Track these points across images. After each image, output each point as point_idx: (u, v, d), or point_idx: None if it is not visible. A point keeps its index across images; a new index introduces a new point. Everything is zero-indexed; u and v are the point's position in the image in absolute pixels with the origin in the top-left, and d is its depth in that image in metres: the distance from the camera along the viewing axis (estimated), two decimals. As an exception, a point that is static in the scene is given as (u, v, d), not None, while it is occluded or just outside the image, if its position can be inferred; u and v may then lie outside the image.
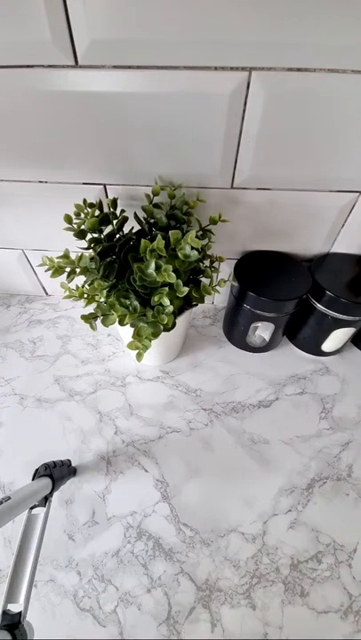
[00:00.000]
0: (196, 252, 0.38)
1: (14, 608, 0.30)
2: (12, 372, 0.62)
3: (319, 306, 0.54)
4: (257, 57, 0.36)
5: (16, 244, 0.64)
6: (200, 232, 0.48)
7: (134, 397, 0.58)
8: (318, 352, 0.63)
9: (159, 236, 0.37)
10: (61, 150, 0.47)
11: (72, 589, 0.41)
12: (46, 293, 0.76)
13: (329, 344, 0.60)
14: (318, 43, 0.35)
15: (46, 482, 0.39)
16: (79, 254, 0.42)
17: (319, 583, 0.41)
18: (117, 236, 0.45)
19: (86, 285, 0.43)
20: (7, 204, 0.56)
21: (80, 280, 0.43)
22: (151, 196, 0.46)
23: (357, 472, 0.50)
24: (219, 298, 0.72)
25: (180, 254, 0.39)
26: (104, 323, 0.42)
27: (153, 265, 0.38)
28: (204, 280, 0.49)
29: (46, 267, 0.41)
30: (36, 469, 0.42)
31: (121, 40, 0.36)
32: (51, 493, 0.39)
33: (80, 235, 0.41)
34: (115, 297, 0.42)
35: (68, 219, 0.41)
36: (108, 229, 0.44)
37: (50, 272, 0.41)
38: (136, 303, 0.41)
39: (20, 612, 0.30)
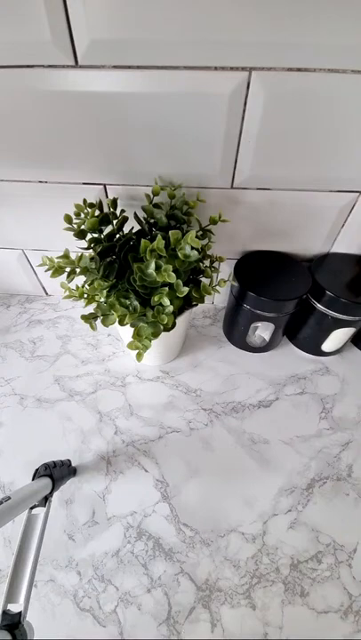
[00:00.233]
0: (196, 252, 0.38)
1: (14, 608, 0.30)
2: (12, 372, 0.62)
3: (319, 306, 0.54)
4: (257, 57, 0.36)
5: (16, 244, 0.64)
6: (200, 232, 0.48)
7: (134, 397, 0.58)
8: (318, 352, 0.63)
9: (159, 236, 0.37)
10: (61, 150, 0.47)
11: (72, 589, 0.41)
12: (46, 293, 0.76)
13: (329, 344, 0.60)
14: (318, 43, 0.35)
15: (46, 482, 0.39)
16: (79, 254, 0.42)
17: (319, 583, 0.41)
18: (117, 235, 0.45)
19: (86, 285, 0.43)
20: (7, 204, 0.56)
21: (80, 280, 0.43)
22: (151, 196, 0.46)
23: (357, 472, 0.50)
24: (219, 298, 0.72)
25: (180, 254, 0.39)
26: (104, 323, 0.42)
27: (153, 265, 0.38)
28: (204, 280, 0.49)
29: (46, 267, 0.41)
30: (36, 469, 0.42)
31: (121, 40, 0.36)
32: (51, 493, 0.39)
33: (80, 235, 0.41)
34: (115, 297, 0.42)
35: (68, 219, 0.41)
36: (108, 229, 0.44)
37: (50, 272, 0.41)
38: (136, 303, 0.41)
39: (20, 612, 0.30)
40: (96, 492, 0.48)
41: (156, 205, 0.47)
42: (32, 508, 0.37)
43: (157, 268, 0.38)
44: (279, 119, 0.41)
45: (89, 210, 0.43)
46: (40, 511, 0.37)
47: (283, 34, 0.35)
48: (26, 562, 0.33)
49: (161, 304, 0.40)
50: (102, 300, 0.44)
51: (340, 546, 0.44)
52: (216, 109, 0.41)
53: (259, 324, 0.59)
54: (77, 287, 0.43)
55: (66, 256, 0.41)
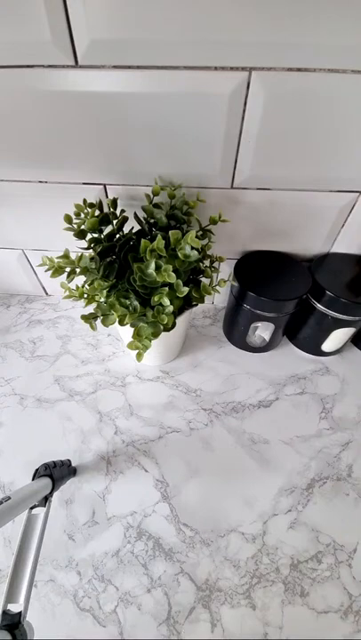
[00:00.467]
0: (196, 252, 0.38)
1: (14, 608, 0.30)
2: (12, 372, 0.62)
3: (319, 306, 0.54)
4: (257, 57, 0.36)
5: (16, 244, 0.64)
6: (200, 232, 0.48)
7: (134, 397, 0.58)
8: (318, 352, 0.63)
9: (159, 236, 0.37)
10: (61, 150, 0.47)
11: (72, 589, 0.41)
12: (46, 293, 0.76)
13: (329, 344, 0.60)
14: (318, 43, 0.35)
15: (46, 482, 0.39)
16: (79, 254, 0.42)
17: (319, 583, 0.41)
18: (117, 235, 0.45)
19: (86, 285, 0.43)
20: (7, 203, 0.56)
21: (80, 280, 0.43)
22: (151, 196, 0.46)
23: (357, 472, 0.50)
24: (219, 298, 0.72)
25: (180, 254, 0.39)
26: (104, 323, 0.42)
27: (153, 265, 0.38)
28: (204, 280, 0.49)
29: (46, 267, 0.41)
30: (36, 469, 0.42)
31: (121, 40, 0.36)
32: (51, 493, 0.39)
33: (80, 235, 0.41)
34: (115, 297, 0.42)
35: (68, 219, 0.41)
36: (108, 229, 0.44)
37: (50, 272, 0.41)
38: (136, 303, 0.41)
39: (20, 612, 0.30)
40: (96, 492, 0.48)
41: (156, 205, 0.47)
42: (32, 508, 0.37)
43: (157, 268, 0.38)
44: (279, 119, 0.41)
45: (89, 210, 0.43)
46: (40, 511, 0.37)
47: (283, 34, 0.35)
48: (26, 562, 0.33)
49: (161, 304, 0.40)
50: (102, 299, 0.44)
51: (340, 546, 0.44)
52: (216, 109, 0.41)
53: (259, 324, 0.59)
54: (77, 287, 0.43)
55: (66, 256, 0.41)
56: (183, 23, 0.34)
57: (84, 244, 0.42)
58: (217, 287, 0.45)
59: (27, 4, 0.34)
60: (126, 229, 0.47)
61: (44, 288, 0.74)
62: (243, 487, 0.49)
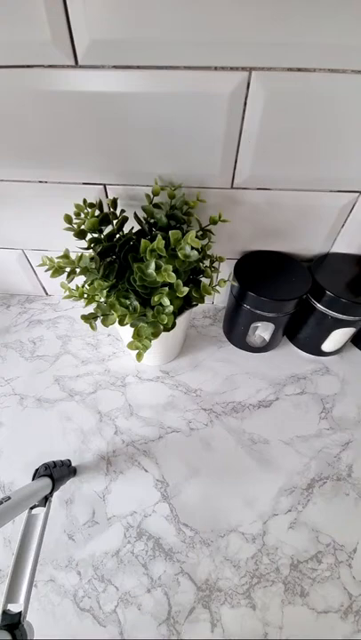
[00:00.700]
0: (196, 252, 0.38)
1: (14, 608, 0.30)
2: (12, 372, 0.62)
3: (319, 306, 0.54)
4: (257, 57, 0.36)
5: (16, 244, 0.64)
6: (200, 232, 0.48)
7: (134, 397, 0.58)
8: (318, 352, 0.63)
9: (159, 236, 0.37)
10: (61, 150, 0.47)
11: (72, 589, 0.41)
12: (46, 293, 0.76)
13: (329, 344, 0.60)
14: (318, 43, 0.35)
15: (46, 482, 0.39)
16: (79, 254, 0.42)
17: (319, 583, 0.41)
18: (117, 235, 0.45)
19: (86, 285, 0.43)
20: (7, 203, 0.56)
21: (80, 280, 0.43)
22: (151, 196, 0.46)
23: (357, 472, 0.50)
24: (219, 298, 0.72)
25: (180, 254, 0.39)
26: (104, 323, 0.42)
27: (153, 265, 0.38)
28: (204, 280, 0.49)
29: (46, 267, 0.41)
30: (36, 469, 0.42)
31: (121, 40, 0.36)
32: (51, 493, 0.39)
33: (80, 235, 0.41)
34: (115, 297, 0.42)
35: (68, 219, 0.41)
36: (108, 229, 0.44)
37: (50, 272, 0.41)
38: (136, 303, 0.41)
39: (20, 612, 0.30)
40: (96, 492, 0.48)
41: (156, 205, 0.47)
42: (32, 508, 0.37)
43: (157, 268, 0.38)
44: (279, 119, 0.41)
45: (89, 210, 0.43)
46: (40, 511, 0.37)
47: (283, 34, 0.35)
48: (26, 562, 0.33)
49: (161, 304, 0.40)
50: (102, 299, 0.44)
51: (340, 546, 0.44)
52: (216, 109, 0.41)
53: (259, 324, 0.59)
54: (77, 287, 0.43)
55: (66, 256, 0.41)
56: (183, 23, 0.34)
57: (84, 244, 0.42)
58: (217, 287, 0.45)
59: (27, 3, 0.34)
60: (126, 229, 0.47)
61: (44, 288, 0.74)
62: (243, 487, 0.49)
